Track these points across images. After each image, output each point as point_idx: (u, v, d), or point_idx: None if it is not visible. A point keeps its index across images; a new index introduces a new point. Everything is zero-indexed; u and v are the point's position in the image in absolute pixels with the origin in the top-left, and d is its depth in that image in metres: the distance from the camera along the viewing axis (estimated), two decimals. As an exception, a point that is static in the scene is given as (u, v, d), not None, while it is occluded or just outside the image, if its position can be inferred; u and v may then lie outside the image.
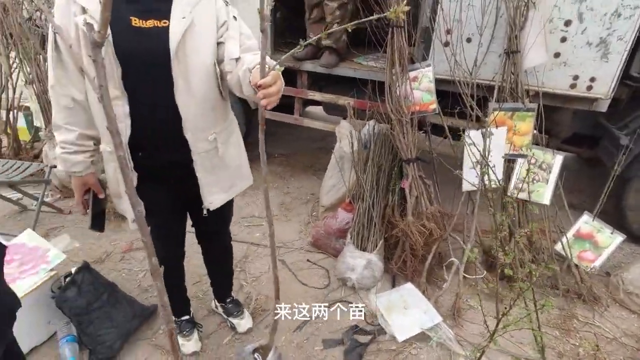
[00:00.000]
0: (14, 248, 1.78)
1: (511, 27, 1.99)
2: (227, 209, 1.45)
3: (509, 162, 2.16)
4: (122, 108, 1.08)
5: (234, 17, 1.18)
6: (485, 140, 1.89)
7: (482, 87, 2.16)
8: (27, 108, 3.40)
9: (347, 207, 2.37)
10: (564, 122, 2.76)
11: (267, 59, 0.89)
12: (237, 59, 1.13)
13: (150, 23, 1.06)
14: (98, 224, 1.34)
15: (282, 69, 0.91)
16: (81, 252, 2.30)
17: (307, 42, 0.91)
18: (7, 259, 1.74)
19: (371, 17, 0.91)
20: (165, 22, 1.07)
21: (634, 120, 2.48)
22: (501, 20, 2.05)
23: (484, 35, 2.08)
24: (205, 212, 1.31)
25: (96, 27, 0.85)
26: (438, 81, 2.22)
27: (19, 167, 2.49)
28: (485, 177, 1.90)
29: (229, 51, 1.14)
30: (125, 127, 1.10)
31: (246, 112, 3.07)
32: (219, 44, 1.17)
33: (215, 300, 1.91)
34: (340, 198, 2.65)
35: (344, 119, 3.30)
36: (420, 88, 2.15)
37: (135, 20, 1.05)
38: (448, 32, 2.13)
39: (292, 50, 0.90)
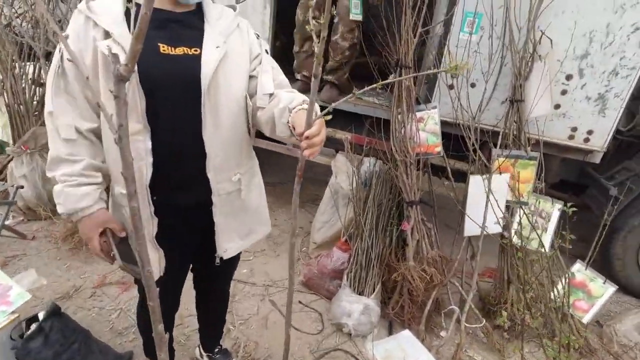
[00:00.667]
0: (-31, 284, 1.53)
1: (516, 77, 2.02)
2: (237, 257, 1.31)
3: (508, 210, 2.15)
4: (143, 144, 0.95)
5: (266, 51, 1.10)
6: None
7: (485, 131, 2.16)
8: (-8, 118, 3.12)
9: (343, 246, 2.27)
10: (552, 168, 2.84)
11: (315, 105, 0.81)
12: (271, 95, 1.04)
13: (180, 50, 0.96)
14: (132, 260, 1.03)
15: (330, 117, 0.83)
16: (44, 285, 2.03)
17: (360, 92, 0.83)
18: (-41, 298, 1.49)
19: (425, 72, 0.85)
20: (196, 50, 0.97)
21: (621, 172, 2.57)
22: (506, 69, 2.08)
23: (488, 81, 2.10)
24: (217, 260, 1.16)
25: (122, 58, 0.74)
26: (442, 123, 2.21)
27: (-21, 186, 2.22)
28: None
29: (263, 85, 1.05)
30: (146, 166, 0.96)
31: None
32: (250, 77, 1.07)
33: (201, 348, 1.71)
34: (333, 235, 2.54)
35: (337, 151, 3.25)
36: (425, 129, 2.13)
37: (163, 47, 0.94)
38: (453, 75, 2.15)
39: (346, 97, 0.82)
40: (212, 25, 1.01)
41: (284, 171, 3.89)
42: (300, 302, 2.21)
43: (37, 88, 2.83)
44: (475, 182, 2.02)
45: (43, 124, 2.68)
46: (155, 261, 1.06)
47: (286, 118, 0.95)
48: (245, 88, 1.07)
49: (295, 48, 2.61)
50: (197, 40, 0.98)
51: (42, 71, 2.81)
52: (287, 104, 0.97)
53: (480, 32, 2.06)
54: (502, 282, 2.18)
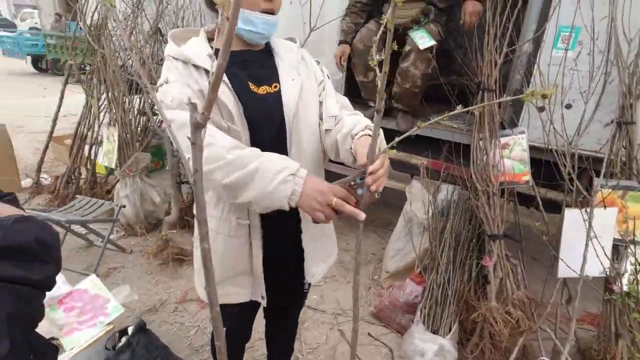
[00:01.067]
0: (77, 294, 1.76)
1: (624, 95, 1.75)
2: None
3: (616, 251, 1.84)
4: None
5: (327, 76, 1.13)
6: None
7: (584, 158, 1.90)
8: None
9: (417, 278, 2.14)
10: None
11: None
12: (336, 117, 1.07)
13: (263, 89, 1.01)
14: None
15: (394, 152, 0.79)
16: (135, 298, 2.24)
17: (426, 124, 0.78)
18: (68, 306, 1.72)
19: (508, 97, 0.76)
20: (275, 86, 1.02)
21: None
22: (610, 87, 1.82)
23: (588, 102, 1.85)
24: (306, 286, 1.19)
25: (227, 95, 0.77)
26: (530, 148, 2.00)
27: (92, 205, 2.57)
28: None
29: (328, 109, 1.07)
30: None
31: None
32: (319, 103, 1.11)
33: (269, 375, 1.73)
34: (406, 265, 2.42)
35: (412, 176, 3.13)
36: (511, 157, 1.94)
37: (251, 85, 1.00)
38: (544, 96, 1.93)
39: (413, 130, 0.77)
40: (283, 59, 1.05)
41: (357, 194, 3.86)
42: (369, 334, 2.12)
43: (141, 118, 3.23)
44: (572, 217, 1.77)
45: (144, 150, 3.04)
46: (260, 288, 1.11)
47: (349, 144, 0.94)
48: (319, 115, 1.09)
49: (359, 77, 2.54)
50: (274, 76, 1.03)
51: (145, 103, 3.21)
52: (349, 130, 0.96)
53: (578, 47, 1.84)
54: (608, 333, 1.86)
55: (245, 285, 1.12)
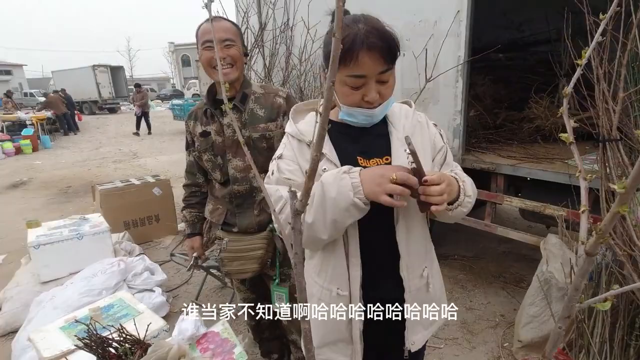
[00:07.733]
0: (211, 336, 1.97)
1: None
2: (423, 350, 1.23)
3: None
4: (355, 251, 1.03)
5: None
6: None
7: None
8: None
9: (561, 356, 1.78)
10: None
11: None
12: None
13: (373, 162, 1.01)
14: None
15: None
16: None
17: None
18: (204, 347, 1.94)
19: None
20: (387, 159, 1.01)
21: None
22: None
23: None
24: (406, 354, 1.12)
25: (299, 194, 0.83)
26: None
27: (227, 251, 2.92)
28: None
29: None
30: (360, 268, 1.03)
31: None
32: None
33: None
34: (545, 336, 2.06)
35: (547, 227, 2.74)
36: None
37: (360, 159, 1.01)
38: None
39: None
40: (397, 128, 1.04)
41: (479, 241, 3.51)
42: (500, 417, 1.83)
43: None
44: None
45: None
46: (358, 357, 1.10)
47: None
48: None
49: None
50: (386, 148, 1.02)
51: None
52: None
53: None
54: None
55: (345, 353, 1.10)
